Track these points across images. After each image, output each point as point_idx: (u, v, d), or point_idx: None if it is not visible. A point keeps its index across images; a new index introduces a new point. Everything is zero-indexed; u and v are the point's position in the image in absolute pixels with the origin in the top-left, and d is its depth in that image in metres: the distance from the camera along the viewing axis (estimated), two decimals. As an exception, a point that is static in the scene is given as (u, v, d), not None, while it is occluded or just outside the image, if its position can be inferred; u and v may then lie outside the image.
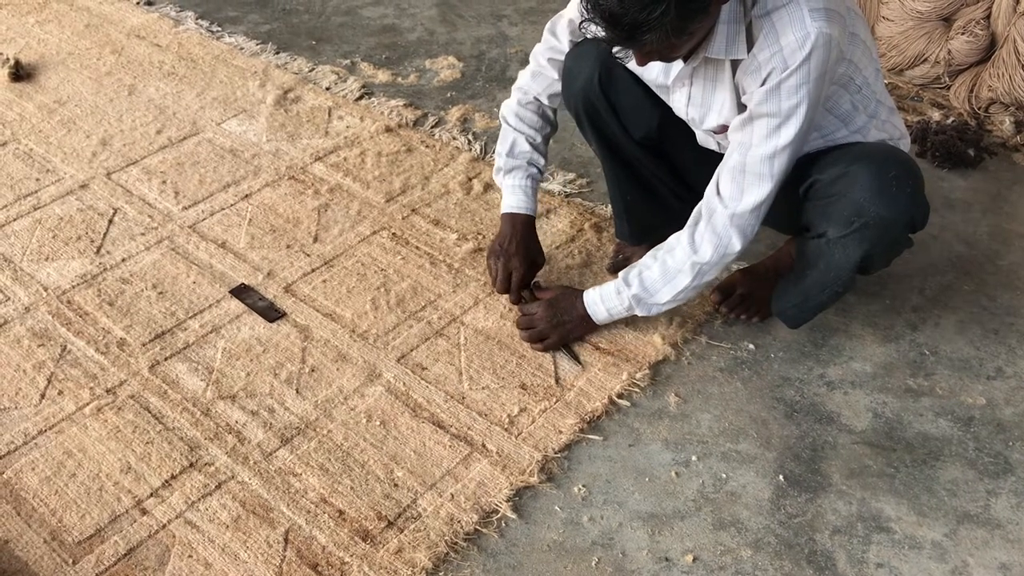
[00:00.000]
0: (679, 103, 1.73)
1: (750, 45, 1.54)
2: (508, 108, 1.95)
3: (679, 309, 1.90)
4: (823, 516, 1.58)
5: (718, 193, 1.66)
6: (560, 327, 1.86)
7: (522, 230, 1.94)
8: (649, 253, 1.77)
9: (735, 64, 1.58)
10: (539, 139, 1.95)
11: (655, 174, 1.93)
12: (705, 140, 1.82)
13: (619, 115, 1.85)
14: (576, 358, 1.86)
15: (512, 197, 1.95)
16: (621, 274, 1.79)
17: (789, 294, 1.84)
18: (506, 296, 1.96)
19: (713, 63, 1.61)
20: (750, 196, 1.63)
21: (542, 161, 1.96)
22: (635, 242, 2.04)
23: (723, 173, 1.65)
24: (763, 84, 1.54)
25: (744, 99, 1.61)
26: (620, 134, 1.87)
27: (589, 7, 1.41)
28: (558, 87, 1.90)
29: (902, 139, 1.80)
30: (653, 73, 1.73)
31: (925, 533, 1.56)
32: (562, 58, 1.86)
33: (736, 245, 1.67)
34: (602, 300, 1.82)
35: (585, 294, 1.85)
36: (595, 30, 1.44)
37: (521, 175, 1.94)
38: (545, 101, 1.92)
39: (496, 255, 1.94)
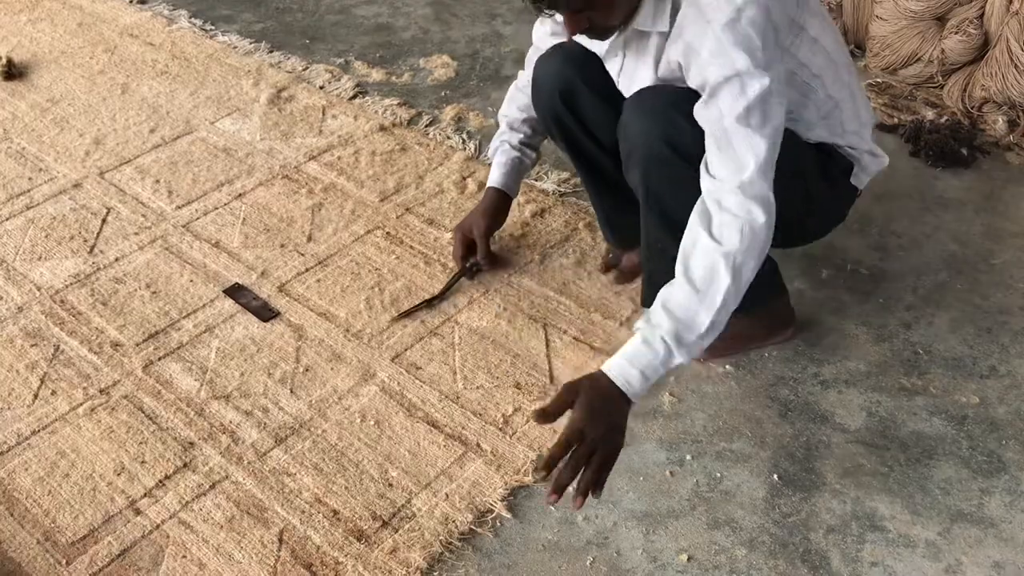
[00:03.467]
0: (613, 73, 1.75)
1: (674, 18, 1.52)
2: (513, 86, 2.01)
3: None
4: (817, 515, 1.59)
5: (712, 175, 1.48)
6: (615, 430, 1.42)
7: (490, 204, 2.02)
8: (664, 289, 1.48)
9: (663, 37, 1.56)
10: (522, 118, 1.99)
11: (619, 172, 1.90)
12: None
13: (586, 126, 1.82)
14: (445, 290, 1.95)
15: (492, 173, 2.03)
16: (639, 324, 1.46)
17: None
18: (500, 295, 1.96)
19: (642, 36, 1.60)
20: (747, 160, 1.45)
21: (516, 138, 2.01)
22: (621, 247, 2.02)
23: (709, 155, 1.49)
24: (695, 48, 1.47)
25: (689, 75, 1.52)
26: (590, 144, 1.84)
27: None
28: None
29: (865, 155, 1.74)
30: (590, 42, 1.72)
31: (919, 532, 1.56)
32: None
33: (760, 216, 1.43)
34: (631, 364, 1.42)
35: (607, 367, 1.44)
36: None
37: (500, 153, 2.02)
38: None
39: (460, 228, 2.04)
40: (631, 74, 1.69)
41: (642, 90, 1.64)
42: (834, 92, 1.66)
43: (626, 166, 1.68)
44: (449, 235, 2.15)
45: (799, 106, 1.65)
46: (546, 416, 1.42)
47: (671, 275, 1.50)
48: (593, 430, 1.39)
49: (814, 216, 1.78)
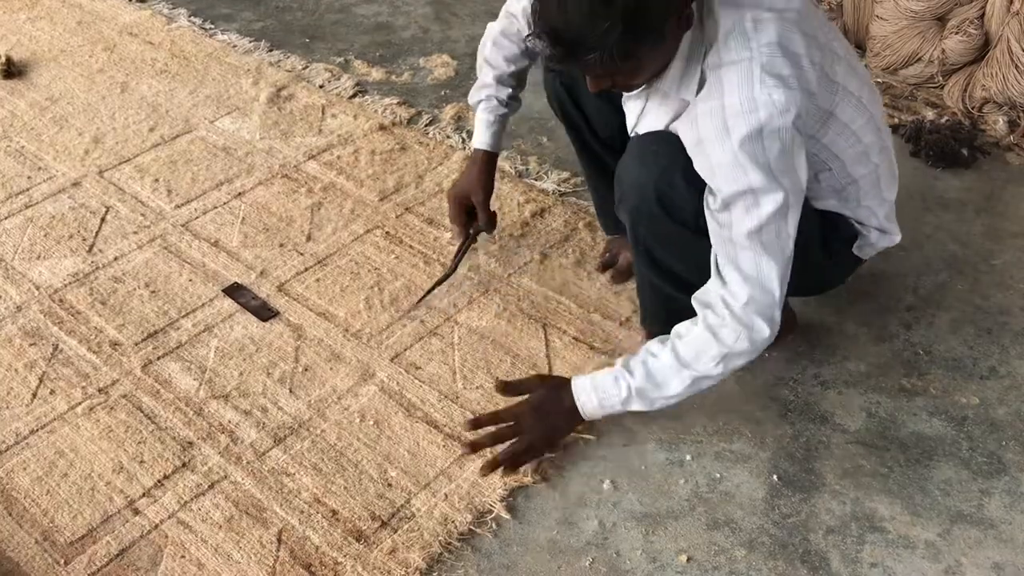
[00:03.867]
0: (631, 116, 1.66)
1: (699, 91, 1.44)
2: (488, 35, 1.87)
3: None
4: (817, 516, 1.58)
5: (723, 279, 1.48)
6: (548, 433, 1.62)
7: (471, 166, 1.92)
8: (656, 339, 1.57)
9: (686, 103, 1.48)
10: (511, 70, 1.87)
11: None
12: None
13: (585, 114, 1.82)
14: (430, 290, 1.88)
15: (476, 132, 1.92)
16: (620, 361, 1.58)
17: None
18: (499, 294, 1.94)
19: (665, 92, 1.52)
20: (758, 279, 1.45)
21: (505, 93, 1.88)
22: (612, 232, 2.04)
23: (719, 255, 1.49)
24: (713, 151, 1.41)
25: (696, 162, 1.46)
26: (588, 132, 1.86)
27: (534, 20, 1.34)
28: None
29: (874, 232, 1.68)
30: None
31: (919, 533, 1.56)
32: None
33: (764, 332, 1.48)
34: (595, 389, 1.57)
35: (575, 381, 1.60)
36: (541, 47, 1.35)
37: (482, 108, 1.90)
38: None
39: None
40: (647, 119, 1.61)
41: (649, 135, 1.58)
42: (855, 171, 1.59)
43: (617, 205, 1.65)
44: (449, 235, 2.15)
45: (811, 180, 1.54)
46: (505, 388, 1.65)
47: (659, 304, 1.70)
48: (529, 422, 1.60)
49: (808, 281, 1.67)
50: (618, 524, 1.57)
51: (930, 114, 2.56)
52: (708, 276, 1.59)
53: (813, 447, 1.70)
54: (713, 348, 1.50)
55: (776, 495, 1.62)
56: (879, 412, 1.76)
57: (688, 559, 1.52)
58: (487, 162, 1.91)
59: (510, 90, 1.90)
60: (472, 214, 1.93)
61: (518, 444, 1.60)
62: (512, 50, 1.85)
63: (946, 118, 2.53)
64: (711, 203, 1.47)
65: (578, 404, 1.59)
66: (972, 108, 2.57)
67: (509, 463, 1.60)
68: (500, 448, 1.60)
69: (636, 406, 1.57)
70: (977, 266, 2.10)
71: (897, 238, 1.73)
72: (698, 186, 1.48)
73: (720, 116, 1.39)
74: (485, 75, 1.89)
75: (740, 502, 1.61)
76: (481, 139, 1.91)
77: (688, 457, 1.68)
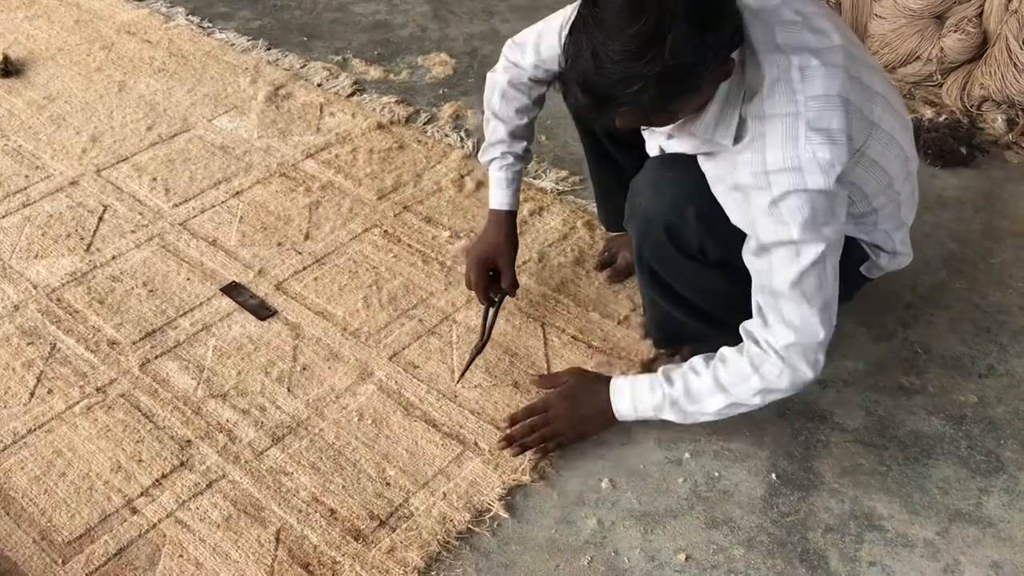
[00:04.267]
0: (653, 146, 1.64)
1: (737, 137, 1.40)
2: (495, 87, 1.81)
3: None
4: (815, 514, 1.58)
5: (767, 324, 1.47)
6: (579, 423, 1.64)
7: (490, 227, 1.85)
8: (702, 357, 1.57)
9: (720, 146, 1.43)
10: (523, 123, 1.82)
11: (630, 164, 1.87)
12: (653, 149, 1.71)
13: None
14: (464, 370, 1.77)
15: (491, 191, 1.86)
16: (662, 369, 1.60)
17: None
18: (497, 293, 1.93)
19: (695, 135, 1.47)
20: (796, 325, 1.45)
21: (520, 147, 1.83)
22: (611, 228, 2.02)
23: (762, 302, 1.48)
24: (752, 201, 1.39)
25: (728, 205, 1.44)
26: (599, 129, 1.83)
27: (566, 64, 1.29)
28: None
29: (884, 255, 1.66)
30: None
31: (917, 531, 1.56)
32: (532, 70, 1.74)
33: (808, 375, 1.48)
34: (632, 391, 1.61)
35: (614, 380, 1.63)
36: (571, 93, 1.31)
37: (496, 167, 1.84)
38: (534, 83, 1.78)
39: (465, 252, 1.89)
40: (671, 144, 1.57)
41: (668, 159, 1.56)
42: (876, 202, 1.56)
43: (626, 221, 1.64)
44: (447, 234, 2.15)
45: None
46: (541, 380, 1.75)
47: (661, 316, 1.73)
48: (560, 409, 1.65)
49: None
50: (616, 523, 1.57)
51: (929, 112, 2.56)
52: (708, 299, 1.60)
53: (812, 446, 1.70)
54: (754, 380, 1.50)
55: (775, 494, 1.62)
56: (878, 411, 1.76)
57: (687, 558, 1.52)
58: (509, 222, 1.85)
59: (524, 143, 1.84)
60: (493, 277, 1.85)
61: (547, 429, 1.64)
62: (522, 101, 1.80)
63: (945, 116, 2.53)
64: (749, 246, 1.45)
65: (613, 402, 1.62)
66: (971, 106, 2.57)
67: (535, 444, 1.63)
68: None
69: (669, 416, 1.59)
70: (976, 265, 2.10)
71: (908, 260, 1.70)
72: (708, 222, 1.48)
73: (762, 169, 1.36)
74: (497, 131, 1.83)
75: (739, 501, 1.61)
76: (500, 199, 1.85)
77: (687, 456, 1.68)
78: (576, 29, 1.27)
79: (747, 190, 1.40)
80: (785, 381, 1.49)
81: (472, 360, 1.79)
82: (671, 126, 1.46)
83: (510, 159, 1.83)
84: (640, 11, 1.21)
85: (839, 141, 1.34)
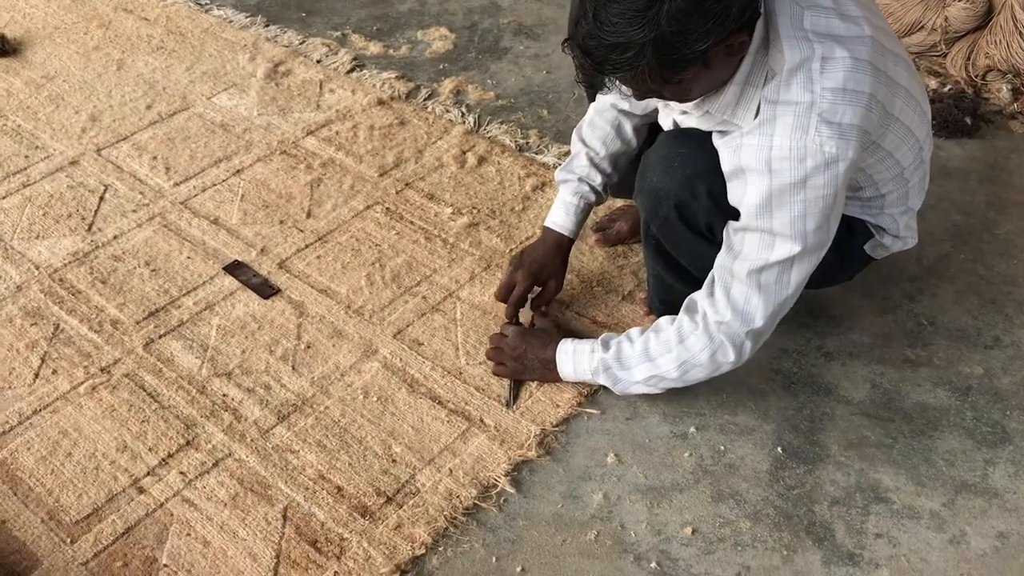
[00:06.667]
0: (666, 119, 1.62)
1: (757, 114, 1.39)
2: (586, 115, 1.81)
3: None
4: (822, 487, 1.58)
5: (713, 297, 1.51)
6: (519, 361, 1.71)
7: (546, 246, 1.82)
8: (637, 329, 1.63)
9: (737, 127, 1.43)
10: (603, 154, 1.78)
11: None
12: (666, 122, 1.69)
13: None
14: (512, 400, 1.71)
15: (555, 211, 1.82)
16: (603, 336, 1.66)
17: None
18: (501, 269, 1.93)
19: (712, 115, 1.47)
20: (742, 313, 1.49)
21: (599, 179, 1.79)
22: (614, 194, 1.98)
23: (717, 273, 1.51)
24: (749, 184, 1.39)
25: (729, 184, 1.44)
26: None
27: (569, 26, 1.29)
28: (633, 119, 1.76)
29: (888, 237, 1.64)
30: None
31: (923, 503, 1.56)
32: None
33: (730, 357, 1.52)
34: (574, 352, 1.67)
35: (562, 340, 1.70)
36: (572, 55, 1.31)
37: (570, 190, 1.80)
38: (622, 115, 1.76)
39: (512, 260, 1.84)
40: (688, 119, 1.55)
41: (682, 134, 1.55)
42: (885, 188, 1.56)
43: (635, 195, 1.62)
44: (450, 210, 2.14)
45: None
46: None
47: (662, 290, 1.74)
48: (511, 350, 1.72)
49: (815, 280, 1.59)
50: (623, 497, 1.57)
51: (933, 83, 2.54)
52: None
53: (817, 419, 1.70)
54: (677, 351, 1.55)
55: (781, 467, 1.62)
56: (883, 383, 1.76)
57: (693, 531, 1.52)
58: (568, 248, 1.83)
59: (601, 177, 1.80)
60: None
61: (503, 357, 1.74)
62: (606, 130, 1.78)
63: (949, 87, 2.51)
64: (733, 223, 1.46)
65: (557, 362, 1.69)
66: (975, 76, 2.55)
67: (487, 355, 1.76)
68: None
69: (603, 380, 1.65)
70: (981, 236, 2.09)
71: (913, 243, 1.69)
72: (718, 200, 1.47)
73: (766, 154, 1.35)
74: (579, 157, 1.80)
75: (745, 474, 1.61)
76: (565, 224, 1.81)
77: (692, 430, 1.68)
78: None
79: (749, 173, 1.39)
80: (705, 356, 1.53)
81: (519, 388, 1.74)
82: (691, 104, 1.45)
83: (585, 188, 1.80)
84: None
85: (849, 136, 1.33)
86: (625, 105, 1.73)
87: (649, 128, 1.77)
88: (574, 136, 1.82)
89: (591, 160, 1.79)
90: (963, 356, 1.81)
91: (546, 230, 1.83)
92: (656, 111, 1.68)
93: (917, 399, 1.73)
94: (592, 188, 1.80)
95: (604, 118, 1.77)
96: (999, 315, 1.89)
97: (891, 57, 1.42)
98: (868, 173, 1.51)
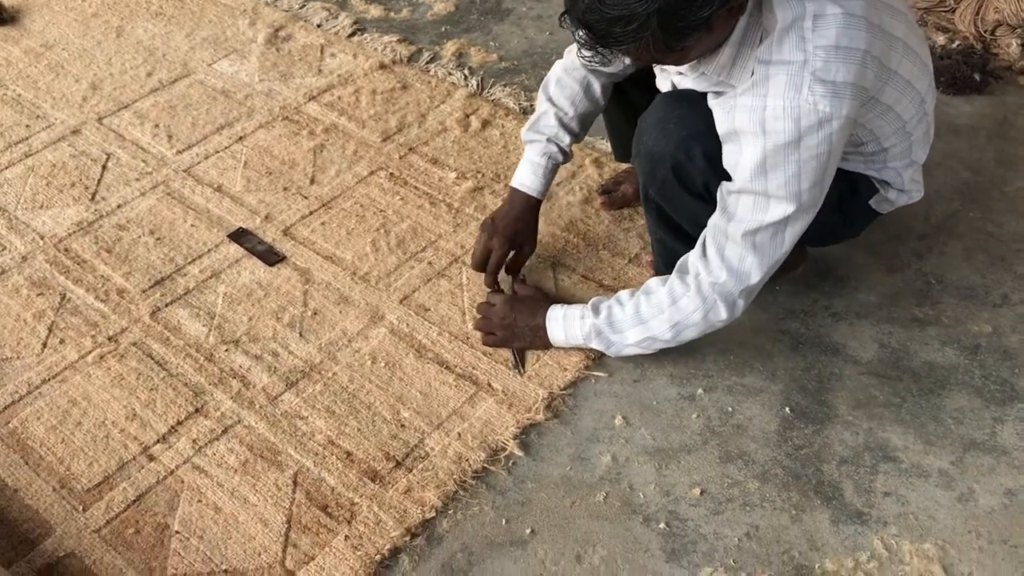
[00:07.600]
0: (664, 80, 1.60)
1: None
2: (552, 72, 1.78)
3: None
4: (830, 447, 1.59)
5: (706, 256, 1.51)
6: (509, 330, 1.71)
7: (517, 209, 1.80)
8: (627, 291, 1.63)
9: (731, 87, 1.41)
10: (572, 114, 1.76)
11: (640, 96, 1.84)
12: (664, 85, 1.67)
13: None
14: (520, 365, 1.71)
15: (522, 172, 1.80)
16: (592, 300, 1.66)
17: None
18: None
19: (708, 76, 1.44)
20: (736, 273, 1.49)
21: (567, 139, 1.78)
22: (621, 159, 2.01)
23: (708, 233, 1.51)
24: (744, 146, 1.38)
25: (724, 146, 1.43)
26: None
27: (566, 2, 1.26)
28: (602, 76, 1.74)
29: (892, 191, 1.62)
30: None
31: (932, 461, 1.56)
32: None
33: (722, 314, 1.53)
34: (564, 319, 1.67)
35: (552, 307, 1.70)
36: (572, 30, 1.28)
37: (537, 151, 1.78)
38: (592, 74, 1.74)
39: (484, 227, 1.80)
40: (685, 81, 1.52)
41: (678, 96, 1.53)
42: (887, 143, 1.54)
43: (633, 158, 1.62)
44: (454, 175, 2.12)
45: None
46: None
47: (666, 254, 1.71)
48: (499, 318, 1.72)
49: (821, 237, 1.66)
50: (631, 459, 1.58)
51: (941, 39, 2.51)
52: None
53: (825, 379, 1.70)
54: (669, 313, 1.56)
55: (789, 427, 1.62)
56: (891, 342, 1.76)
57: (701, 492, 1.53)
58: (537, 209, 1.82)
59: (570, 138, 1.78)
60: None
61: (491, 324, 1.74)
62: (574, 89, 1.75)
63: (958, 43, 2.48)
64: (726, 185, 1.45)
65: (547, 328, 1.69)
66: (984, 32, 2.51)
67: (475, 326, 1.76)
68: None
69: (596, 345, 1.66)
70: (990, 193, 2.07)
71: (919, 196, 1.67)
72: (714, 160, 1.46)
73: (760, 115, 1.34)
74: (547, 116, 1.78)
75: (753, 435, 1.61)
76: (533, 185, 1.79)
77: (700, 391, 1.68)
78: None
79: (742, 135, 1.38)
80: (698, 316, 1.54)
81: (523, 357, 1.74)
82: (686, 65, 1.43)
83: (553, 148, 1.78)
84: None
85: (843, 95, 1.32)
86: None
87: (648, 88, 1.74)
88: (540, 94, 1.80)
89: (560, 120, 1.76)
90: (971, 314, 1.80)
91: (514, 191, 1.80)
92: (625, 69, 1.68)
93: (925, 358, 1.73)
94: (560, 148, 1.78)
95: (573, 77, 1.74)
96: (1008, 273, 1.88)
97: (886, 10, 1.41)
98: (869, 128, 1.49)
